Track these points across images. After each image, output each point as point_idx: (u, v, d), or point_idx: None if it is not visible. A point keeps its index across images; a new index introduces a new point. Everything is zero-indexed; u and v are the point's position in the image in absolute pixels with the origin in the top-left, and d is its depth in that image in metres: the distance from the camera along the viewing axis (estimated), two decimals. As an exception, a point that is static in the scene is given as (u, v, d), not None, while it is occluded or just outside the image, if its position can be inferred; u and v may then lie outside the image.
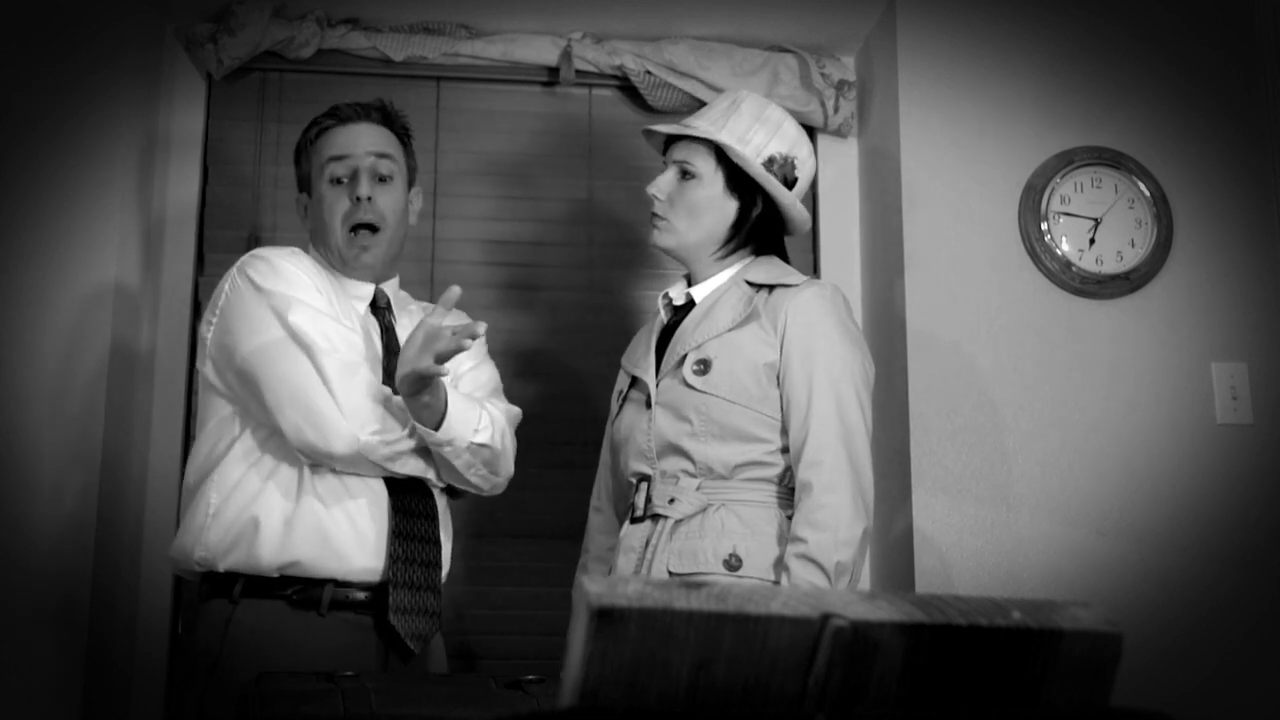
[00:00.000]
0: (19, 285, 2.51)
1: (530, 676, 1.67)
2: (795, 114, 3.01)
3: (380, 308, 2.21)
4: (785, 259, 2.35)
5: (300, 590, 1.99)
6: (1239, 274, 2.81)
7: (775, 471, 2.16)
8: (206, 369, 2.11)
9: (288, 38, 2.87)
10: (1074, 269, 2.75)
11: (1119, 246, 2.78)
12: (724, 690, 0.95)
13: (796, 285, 2.22)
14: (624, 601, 0.92)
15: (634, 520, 2.20)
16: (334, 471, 2.03)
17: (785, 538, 2.11)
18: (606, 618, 0.92)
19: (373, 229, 2.16)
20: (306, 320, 2.01)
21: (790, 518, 2.13)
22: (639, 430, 2.23)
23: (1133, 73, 2.87)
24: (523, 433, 2.27)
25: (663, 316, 2.34)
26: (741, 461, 2.15)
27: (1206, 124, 2.86)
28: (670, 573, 2.09)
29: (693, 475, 2.16)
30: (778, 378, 2.17)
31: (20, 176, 2.54)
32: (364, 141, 2.19)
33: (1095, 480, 2.68)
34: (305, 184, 2.25)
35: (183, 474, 2.65)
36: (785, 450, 2.16)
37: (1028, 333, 2.74)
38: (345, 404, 1.96)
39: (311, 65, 2.94)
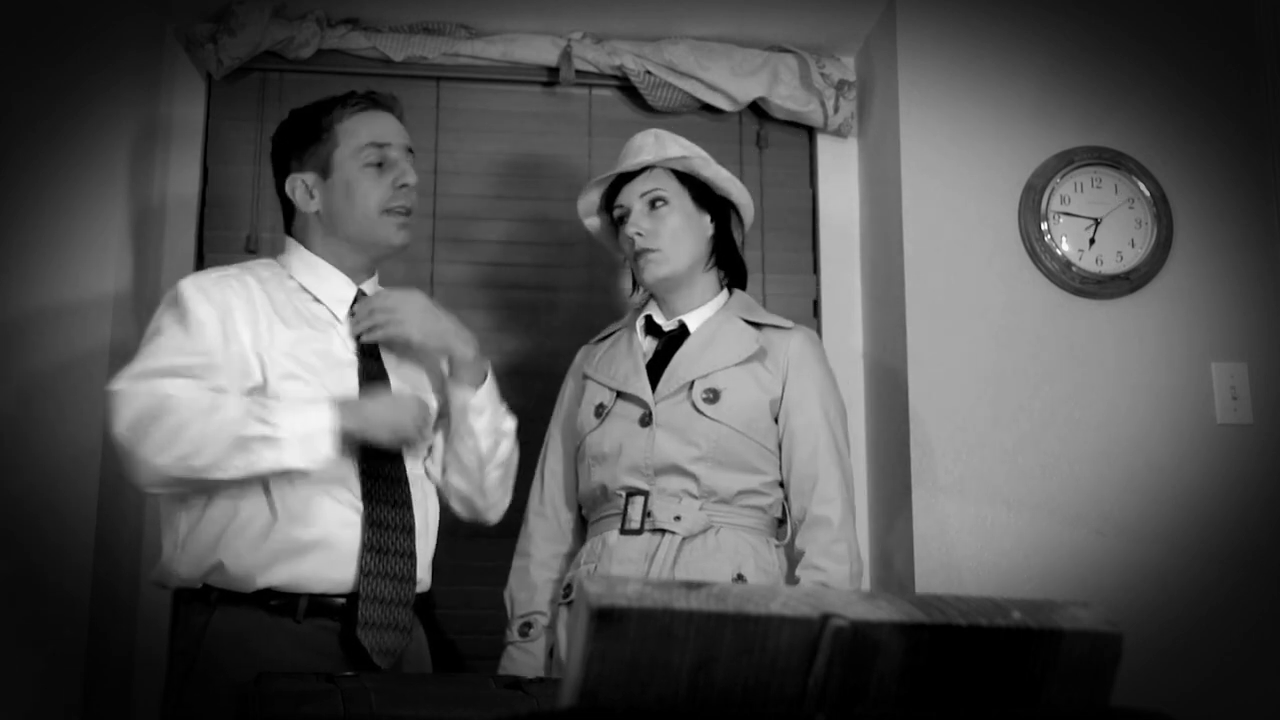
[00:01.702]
0: (19, 284, 2.51)
1: (530, 676, 1.67)
2: (795, 114, 3.04)
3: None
4: (744, 277, 2.48)
5: (277, 597, 1.97)
6: (1239, 274, 2.81)
7: (768, 501, 2.29)
8: None
9: (288, 38, 2.87)
10: (1074, 269, 2.75)
11: (1119, 246, 2.78)
12: (724, 690, 0.95)
13: (789, 329, 2.38)
14: (624, 601, 0.92)
15: (626, 532, 2.25)
16: (304, 485, 1.99)
17: (776, 566, 2.25)
18: (606, 618, 0.92)
19: (408, 200, 2.17)
20: (140, 364, 1.97)
21: (779, 548, 2.29)
22: (634, 447, 2.27)
23: (1133, 73, 2.87)
24: (520, 433, 2.28)
25: (641, 338, 2.39)
26: (742, 489, 2.26)
27: (1206, 124, 2.86)
28: None
29: (695, 496, 2.25)
30: (774, 415, 2.30)
31: (20, 176, 2.54)
32: (399, 132, 2.18)
33: (1095, 480, 2.68)
34: (321, 164, 2.14)
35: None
36: (779, 484, 2.30)
37: (1028, 333, 2.74)
38: (134, 446, 1.89)
39: (311, 65, 2.94)
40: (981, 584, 2.60)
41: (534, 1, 2.91)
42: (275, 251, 2.29)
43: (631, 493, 2.27)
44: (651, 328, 2.41)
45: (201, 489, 1.96)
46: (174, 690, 1.99)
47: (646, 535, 2.23)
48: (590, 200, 2.51)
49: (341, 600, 2.00)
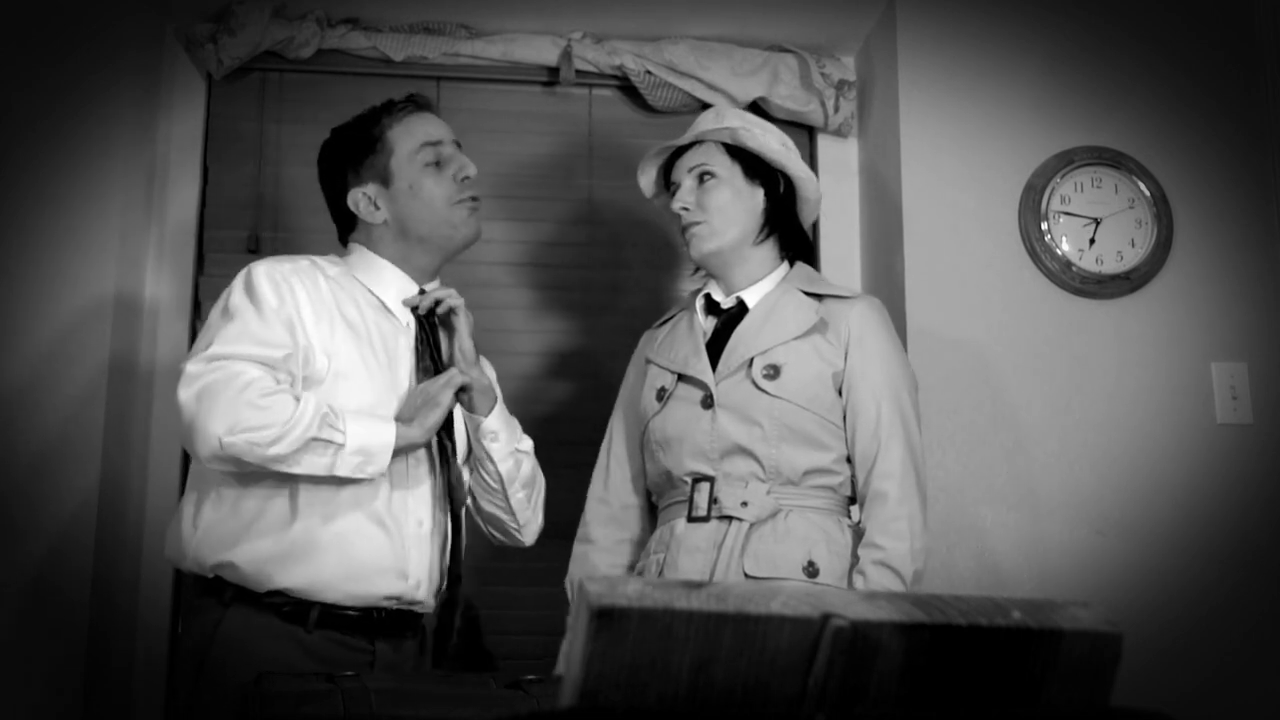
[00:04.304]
0: (20, 285, 2.51)
1: (530, 676, 1.67)
2: (795, 114, 3.04)
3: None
4: (810, 251, 2.43)
5: (290, 603, 1.97)
6: (1239, 274, 2.81)
7: (838, 480, 2.23)
8: None
9: (288, 38, 2.87)
10: (1074, 269, 2.75)
11: (1119, 246, 2.78)
12: (724, 690, 0.95)
13: (851, 298, 2.31)
14: (624, 601, 0.92)
15: (693, 519, 2.21)
16: (330, 490, 2.00)
17: (849, 548, 2.19)
18: (606, 618, 0.92)
19: (471, 191, 2.21)
20: (217, 347, 1.98)
21: (851, 528, 2.22)
22: (697, 431, 2.24)
23: (1133, 73, 2.87)
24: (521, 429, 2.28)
25: (701, 318, 2.35)
26: (810, 468, 2.21)
27: (1206, 124, 2.86)
28: (747, 575, 2.12)
29: (761, 480, 2.20)
30: (838, 388, 2.24)
31: (20, 177, 2.54)
32: (446, 129, 2.22)
33: (1095, 480, 2.68)
34: (380, 174, 2.16)
35: (184, 471, 2.66)
36: (847, 459, 2.24)
37: (1028, 333, 2.74)
38: (200, 412, 1.90)
39: (311, 65, 2.94)
40: (981, 584, 2.60)
41: (534, 1, 2.91)
42: (276, 251, 2.30)
43: (697, 479, 2.22)
44: (711, 306, 2.36)
45: (254, 474, 1.96)
46: (182, 688, 1.99)
47: (714, 523, 2.18)
48: (649, 177, 2.48)
49: (355, 613, 2.00)
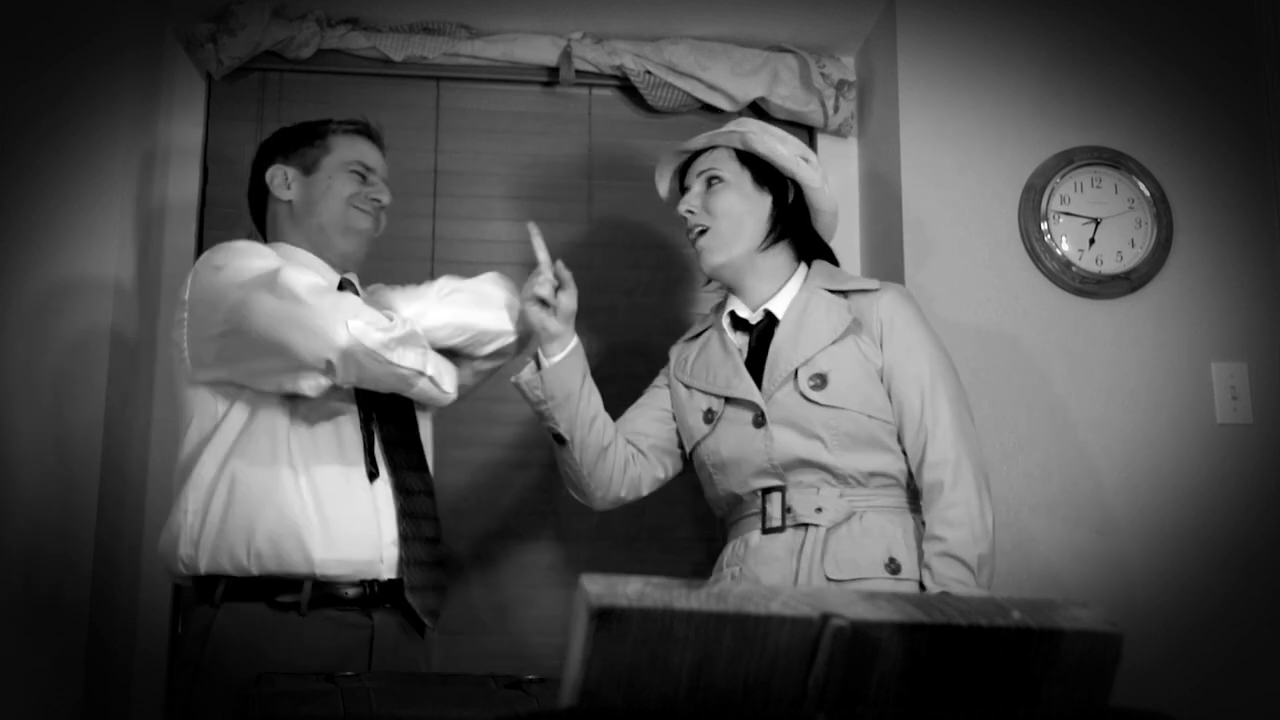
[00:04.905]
0: (19, 284, 2.50)
1: (530, 676, 1.67)
2: (795, 114, 3.04)
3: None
4: (830, 253, 2.39)
5: (281, 591, 1.98)
6: (1239, 274, 2.81)
7: (903, 478, 2.21)
8: (184, 368, 2.11)
9: (288, 38, 2.87)
10: (1074, 269, 2.75)
11: (1119, 246, 2.78)
12: (724, 690, 0.95)
13: (877, 290, 2.28)
14: (624, 601, 0.92)
15: (769, 531, 2.19)
16: (311, 455, 2.03)
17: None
18: (606, 618, 0.92)
19: (377, 213, 2.27)
20: (264, 265, 2.04)
21: (923, 522, 2.17)
22: (753, 450, 2.21)
23: (1133, 73, 2.87)
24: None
25: (731, 335, 2.32)
26: (876, 470, 2.18)
27: (1206, 124, 2.86)
28: (829, 579, 2.10)
29: (832, 484, 2.18)
30: (884, 383, 2.21)
31: (20, 176, 2.54)
32: (382, 166, 2.31)
33: (1095, 480, 2.68)
34: (307, 163, 2.24)
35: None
36: (904, 454, 2.21)
37: (1028, 333, 2.74)
38: (323, 305, 1.96)
39: (311, 65, 2.94)
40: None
41: (534, 1, 2.91)
42: (275, 252, 2.30)
43: (767, 490, 2.20)
44: (739, 323, 2.32)
45: (362, 377, 2.00)
46: (180, 694, 1.99)
47: (790, 531, 2.16)
48: (667, 183, 2.46)
49: (351, 590, 2.01)
